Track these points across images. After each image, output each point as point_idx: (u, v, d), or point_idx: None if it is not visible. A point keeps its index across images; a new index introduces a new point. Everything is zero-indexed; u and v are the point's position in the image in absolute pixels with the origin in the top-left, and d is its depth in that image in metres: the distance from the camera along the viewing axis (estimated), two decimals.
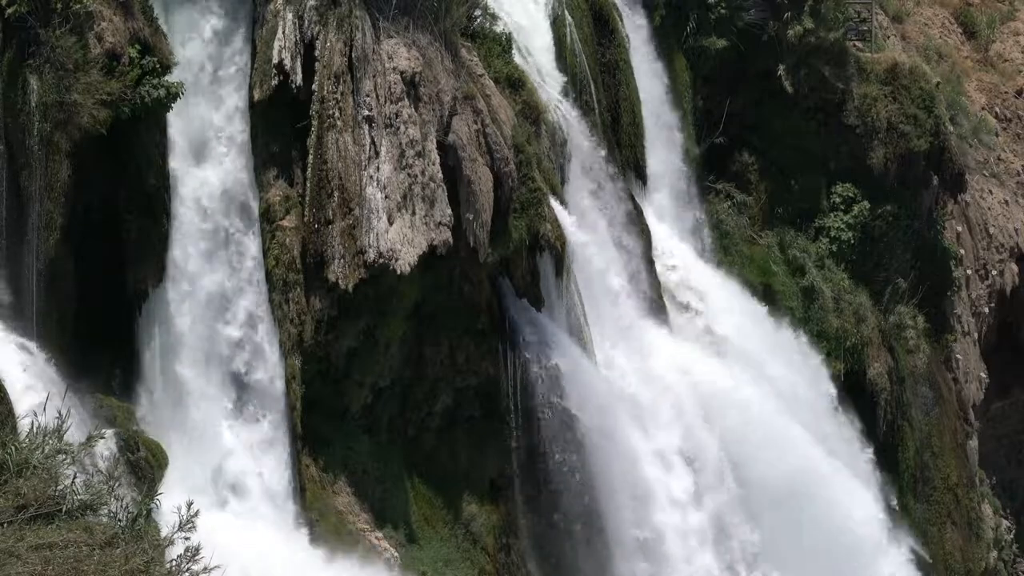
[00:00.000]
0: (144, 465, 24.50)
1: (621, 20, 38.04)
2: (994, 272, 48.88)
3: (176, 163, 26.93)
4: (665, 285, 37.24)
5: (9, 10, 24.46)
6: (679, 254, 38.53)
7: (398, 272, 28.44)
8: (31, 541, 12.21)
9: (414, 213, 28.79)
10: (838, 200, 42.79)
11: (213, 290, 27.54)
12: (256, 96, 27.97)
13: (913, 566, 39.97)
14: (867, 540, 38.32)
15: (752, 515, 35.28)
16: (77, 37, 24.79)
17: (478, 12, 32.39)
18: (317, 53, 28.41)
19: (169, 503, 14.28)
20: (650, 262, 36.46)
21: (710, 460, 34.97)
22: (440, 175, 29.17)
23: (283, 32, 28.08)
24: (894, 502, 41.15)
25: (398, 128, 28.92)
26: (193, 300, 27.21)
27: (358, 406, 29.95)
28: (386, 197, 28.48)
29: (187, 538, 12.61)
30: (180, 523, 12.50)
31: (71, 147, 24.73)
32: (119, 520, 12.95)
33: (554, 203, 32.55)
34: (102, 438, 20.27)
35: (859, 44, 45.00)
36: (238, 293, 27.88)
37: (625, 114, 37.54)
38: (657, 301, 36.64)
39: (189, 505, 12.68)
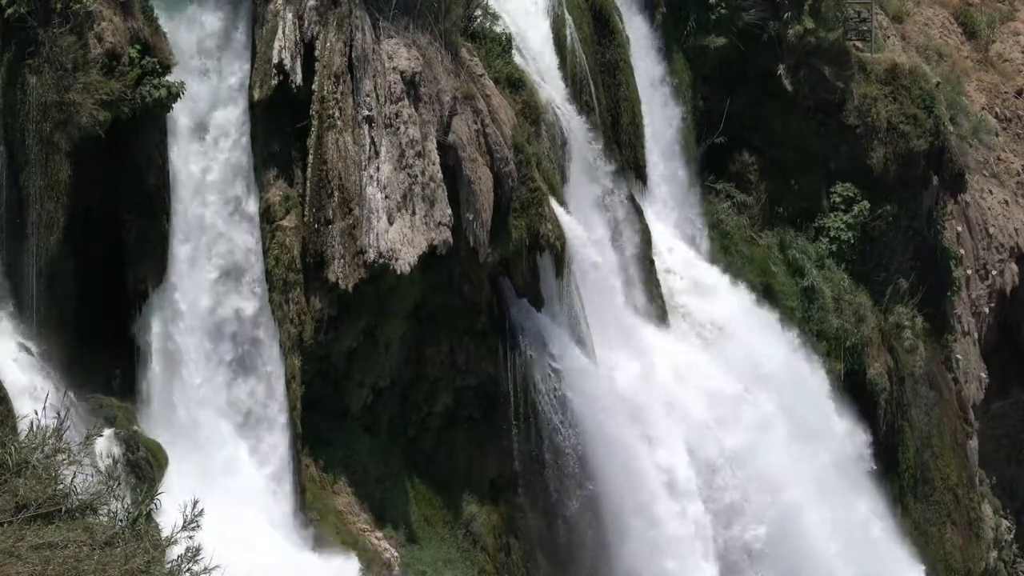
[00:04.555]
0: (144, 465, 24.49)
1: (621, 20, 38.02)
2: (994, 272, 48.85)
3: None
4: (665, 285, 37.22)
5: (9, 10, 24.45)
6: (679, 254, 38.51)
7: (398, 272, 28.43)
8: (31, 541, 12.19)
9: (414, 213, 28.79)
10: (838, 200, 42.78)
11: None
12: (256, 96, 27.95)
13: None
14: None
15: (754, 514, 35.28)
16: (77, 37, 24.78)
17: (478, 12, 32.38)
18: (317, 53, 28.40)
19: (171, 502, 14.25)
20: (650, 262, 36.45)
21: (711, 459, 34.96)
22: (440, 175, 29.16)
23: (283, 32, 28.07)
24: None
25: (398, 128, 28.91)
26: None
27: (358, 406, 29.94)
28: (386, 197, 28.47)
29: (191, 537, 12.54)
30: (184, 522, 12.45)
31: (71, 147, 24.72)
32: (119, 520, 12.92)
33: (554, 203, 32.54)
34: (100, 436, 20.25)
35: (859, 44, 44.97)
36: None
37: (625, 114, 37.52)
38: (657, 301, 36.63)
39: (195, 504, 12.61)
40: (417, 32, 29.70)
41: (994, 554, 46.77)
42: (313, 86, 28.38)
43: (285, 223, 28.34)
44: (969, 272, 47.48)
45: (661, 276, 37.01)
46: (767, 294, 40.46)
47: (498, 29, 33.09)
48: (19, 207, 24.88)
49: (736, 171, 42.15)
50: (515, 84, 32.80)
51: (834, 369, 40.85)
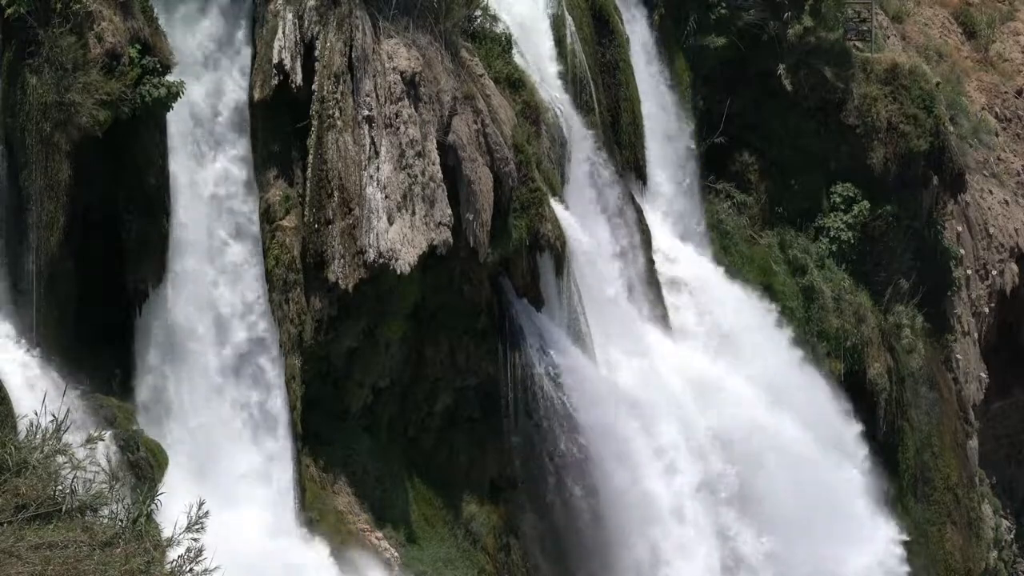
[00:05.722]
0: (144, 465, 24.48)
1: (621, 20, 38.03)
2: (994, 272, 48.87)
3: None
4: (665, 284, 37.23)
5: (9, 10, 24.43)
6: (679, 254, 38.51)
7: (398, 272, 28.42)
8: (31, 541, 12.18)
9: (414, 213, 28.78)
10: (838, 200, 42.79)
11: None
12: (256, 96, 27.95)
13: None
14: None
15: (753, 513, 35.27)
16: (76, 37, 24.76)
17: (478, 12, 32.39)
18: (317, 53, 28.40)
19: (172, 502, 14.23)
20: (650, 262, 36.46)
21: (710, 459, 34.96)
22: (440, 175, 29.15)
23: (283, 32, 28.07)
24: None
25: (398, 128, 28.90)
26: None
27: (358, 406, 29.94)
28: (386, 197, 28.47)
29: (195, 539, 12.49)
30: (189, 523, 12.40)
31: (71, 147, 24.69)
32: (119, 520, 12.89)
33: (554, 203, 32.55)
34: (101, 439, 20.18)
35: (859, 44, 44.99)
36: None
37: (625, 114, 37.53)
38: (657, 300, 36.63)
39: (200, 505, 12.55)
40: (417, 32, 29.69)
41: (994, 554, 46.77)
42: (313, 86, 28.37)
43: (285, 223, 28.33)
44: (969, 272, 47.50)
45: (660, 275, 37.01)
46: (767, 294, 40.47)
47: (498, 29, 33.09)
48: (19, 207, 24.86)
49: (736, 171, 42.16)
50: (515, 84, 32.81)
51: (834, 369, 40.87)
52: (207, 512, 12.49)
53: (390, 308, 29.60)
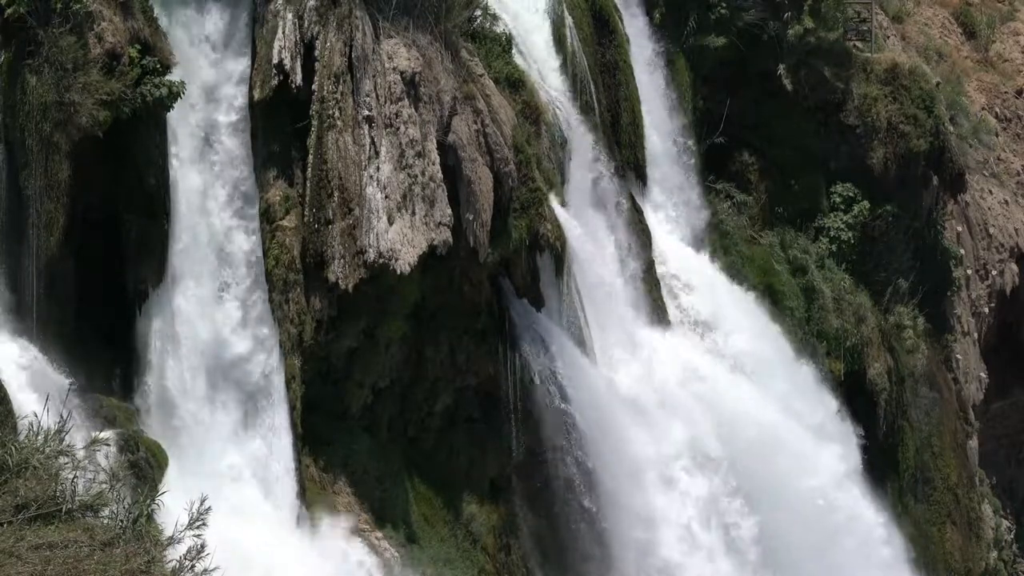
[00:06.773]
0: (144, 465, 24.48)
1: (621, 20, 38.03)
2: (994, 272, 48.87)
3: None
4: (664, 284, 37.22)
5: (9, 10, 24.44)
6: (679, 254, 38.51)
7: (398, 272, 28.42)
8: (31, 541, 12.18)
9: (414, 213, 28.78)
10: (838, 200, 42.79)
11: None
12: (256, 96, 27.95)
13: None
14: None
15: (753, 513, 35.25)
16: (77, 37, 24.77)
17: (478, 12, 32.39)
18: (317, 53, 28.40)
19: (172, 502, 14.22)
20: (649, 262, 36.45)
21: (710, 459, 34.95)
22: (440, 175, 29.16)
23: (283, 32, 28.07)
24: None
25: (398, 128, 28.91)
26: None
27: (358, 406, 29.94)
28: (386, 197, 28.47)
29: (198, 535, 12.47)
30: (190, 520, 12.39)
31: (71, 147, 24.71)
32: (120, 520, 12.89)
33: (554, 203, 32.55)
34: (107, 444, 20.19)
35: (859, 44, 45.00)
36: None
37: (625, 114, 37.52)
38: (657, 301, 36.62)
39: (202, 502, 12.53)
40: (417, 32, 29.70)
41: (994, 554, 46.77)
42: (313, 86, 28.38)
43: (285, 223, 28.34)
44: (969, 272, 47.50)
45: (660, 275, 37.01)
46: (768, 294, 40.47)
47: (498, 29, 33.10)
48: (19, 207, 24.87)
49: (736, 171, 42.15)
50: (515, 84, 32.82)
51: (834, 369, 40.87)
52: (208, 508, 12.48)
53: (390, 308, 29.61)
